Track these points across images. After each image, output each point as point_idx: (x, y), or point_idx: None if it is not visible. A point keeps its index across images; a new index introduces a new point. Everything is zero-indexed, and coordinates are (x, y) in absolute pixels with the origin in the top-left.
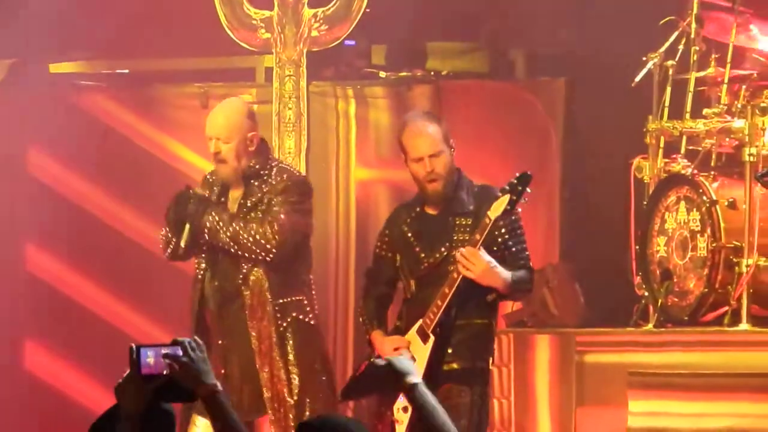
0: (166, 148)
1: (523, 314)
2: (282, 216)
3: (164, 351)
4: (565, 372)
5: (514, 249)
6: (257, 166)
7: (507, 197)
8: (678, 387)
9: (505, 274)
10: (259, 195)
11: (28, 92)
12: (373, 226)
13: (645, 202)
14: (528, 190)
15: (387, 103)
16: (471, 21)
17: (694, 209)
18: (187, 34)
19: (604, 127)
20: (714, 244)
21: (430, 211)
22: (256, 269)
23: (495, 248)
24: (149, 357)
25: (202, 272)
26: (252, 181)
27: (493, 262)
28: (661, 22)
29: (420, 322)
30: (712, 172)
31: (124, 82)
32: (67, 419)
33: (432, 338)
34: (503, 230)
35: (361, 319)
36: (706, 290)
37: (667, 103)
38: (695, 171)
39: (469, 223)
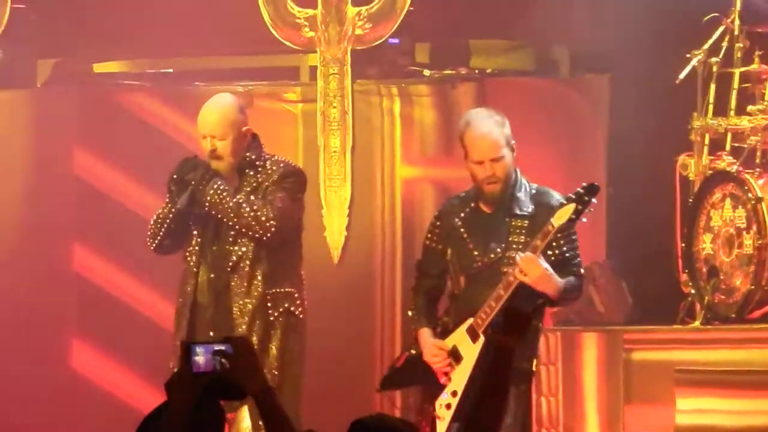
0: None
1: (570, 313)
2: (280, 196)
3: (215, 348)
4: (612, 370)
5: (567, 255)
6: (252, 157)
7: (573, 206)
8: (725, 384)
9: (559, 282)
10: (255, 184)
11: (73, 92)
12: (419, 224)
13: (690, 200)
14: (594, 201)
15: (431, 101)
16: (515, 18)
17: (740, 206)
18: (231, 33)
19: (649, 124)
20: (760, 241)
21: (485, 208)
22: (246, 260)
23: (550, 252)
24: (200, 354)
25: (195, 266)
26: (247, 170)
27: (550, 270)
28: (705, 18)
29: (471, 321)
30: (758, 169)
31: (167, 81)
32: (113, 418)
33: (482, 338)
34: (559, 235)
35: (410, 313)
36: (753, 287)
37: (711, 100)
38: (740, 168)
39: (525, 225)
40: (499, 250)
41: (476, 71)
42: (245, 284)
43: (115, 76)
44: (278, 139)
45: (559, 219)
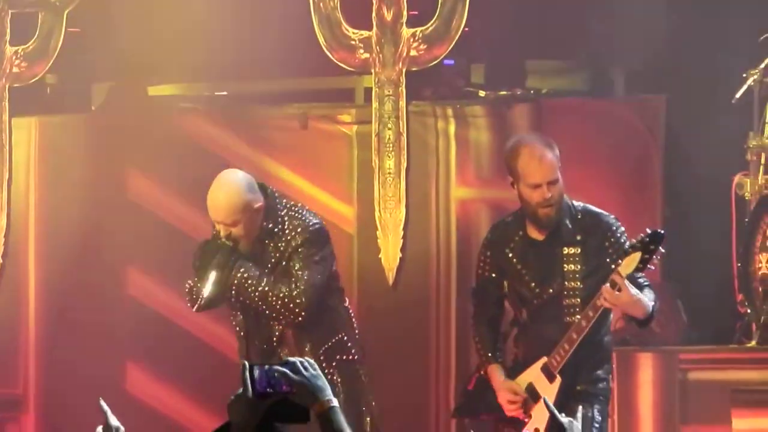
0: (265, 169)
1: (626, 332)
2: (306, 275)
3: (277, 369)
4: (668, 390)
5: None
6: (270, 225)
7: (639, 255)
8: None
9: (648, 305)
10: (278, 255)
11: (127, 115)
12: (475, 245)
13: (746, 219)
14: (661, 249)
15: (487, 122)
16: (570, 38)
17: None
18: (286, 54)
19: (705, 144)
20: None
21: (534, 235)
22: (289, 332)
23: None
24: (262, 375)
25: (241, 330)
26: (266, 241)
27: (638, 294)
28: (761, 38)
29: (545, 360)
30: None
31: (222, 103)
32: None
33: (559, 379)
34: (611, 251)
35: (476, 346)
36: None
37: (767, 120)
38: None
39: (578, 252)
40: (555, 285)
41: (531, 92)
42: (293, 353)
43: (170, 99)
44: (333, 161)
45: (626, 268)
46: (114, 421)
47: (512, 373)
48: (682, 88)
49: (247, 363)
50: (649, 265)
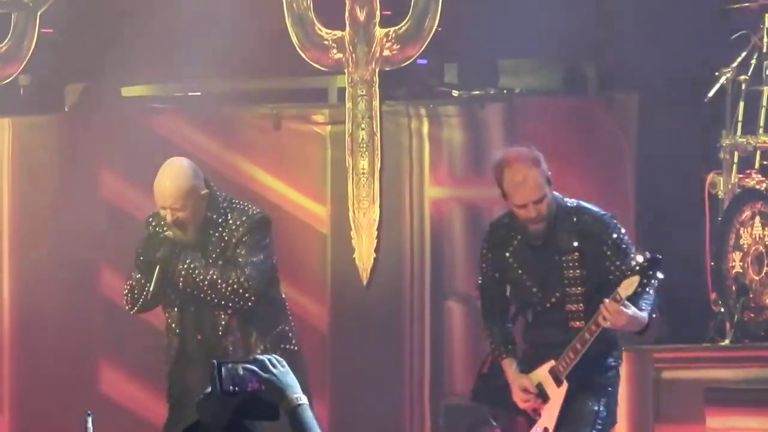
0: (239, 169)
1: None
2: (252, 260)
3: (246, 366)
4: (642, 389)
5: (624, 268)
6: (214, 216)
7: (637, 279)
8: (755, 402)
9: (644, 319)
10: (222, 244)
11: (101, 115)
12: (448, 245)
13: (719, 218)
14: (659, 274)
15: (460, 121)
16: (543, 38)
17: None
18: (259, 55)
19: (678, 142)
20: None
21: (533, 241)
22: (235, 322)
23: (613, 268)
24: (231, 373)
25: (177, 326)
26: (210, 231)
27: (636, 313)
28: (733, 36)
29: (553, 363)
30: None
31: (195, 104)
32: None
33: (565, 384)
34: (609, 252)
35: (488, 338)
36: None
37: (740, 118)
38: None
39: (576, 257)
40: (558, 293)
41: (504, 91)
42: (242, 344)
43: (143, 100)
44: (307, 161)
45: (625, 291)
46: None
47: (522, 366)
48: (654, 87)
49: (215, 362)
50: (647, 289)
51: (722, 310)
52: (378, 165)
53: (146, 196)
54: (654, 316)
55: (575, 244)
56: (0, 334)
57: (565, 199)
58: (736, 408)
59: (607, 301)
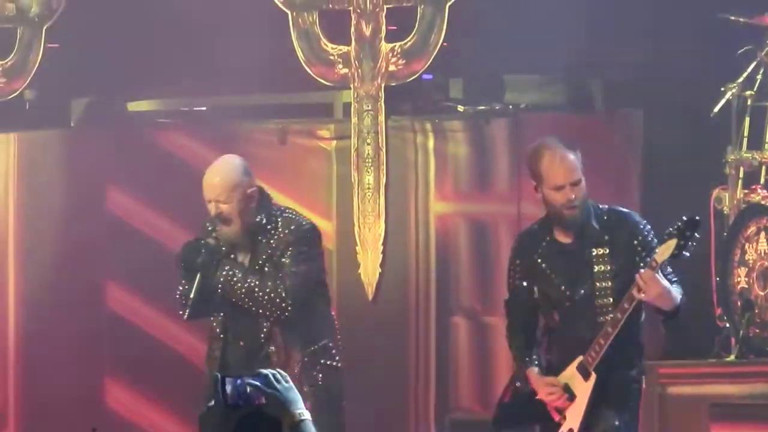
0: None
1: None
2: (293, 270)
3: (249, 381)
4: (647, 404)
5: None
6: (264, 221)
7: (674, 241)
8: (761, 418)
9: (677, 298)
10: (269, 251)
11: (106, 130)
12: (453, 260)
13: (725, 233)
14: (697, 235)
15: (465, 136)
16: (548, 53)
17: None
18: (264, 70)
19: (683, 158)
20: None
21: (562, 239)
22: (278, 330)
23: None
24: (233, 387)
25: (220, 331)
26: (259, 237)
27: (668, 286)
28: (739, 52)
29: (581, 358)
30: None
31: (201, 119)
32: None
33: (594, 376)
34: (640, 248)
35: (513, 353)
36: None
37: (746, 134)
38: None
39: (606, 252)
40: (586, 286)
41: (510, 106)
42: (283, 353)
43: (149, 115)
44: (312, 176)
45: (661, 255)
46: None
47: (549, 374)
48: (660, 102)
49: (219, 375)
50: (684, 252)
51: (728, 325)
52: (383, 180)
53: (152, 211)
54: (683, 299)
55: (606, 237)
56: (6, 348)
57: (598, 204)
58: (741, 423)
59: (642, 270)
